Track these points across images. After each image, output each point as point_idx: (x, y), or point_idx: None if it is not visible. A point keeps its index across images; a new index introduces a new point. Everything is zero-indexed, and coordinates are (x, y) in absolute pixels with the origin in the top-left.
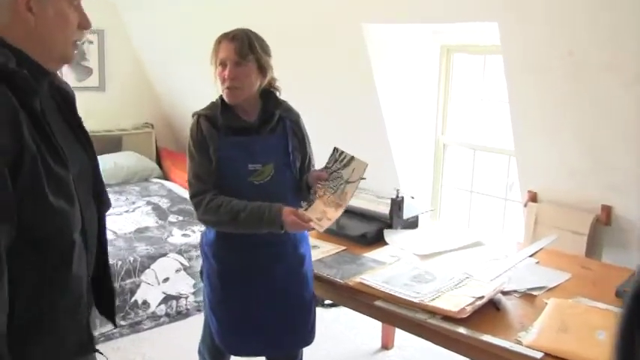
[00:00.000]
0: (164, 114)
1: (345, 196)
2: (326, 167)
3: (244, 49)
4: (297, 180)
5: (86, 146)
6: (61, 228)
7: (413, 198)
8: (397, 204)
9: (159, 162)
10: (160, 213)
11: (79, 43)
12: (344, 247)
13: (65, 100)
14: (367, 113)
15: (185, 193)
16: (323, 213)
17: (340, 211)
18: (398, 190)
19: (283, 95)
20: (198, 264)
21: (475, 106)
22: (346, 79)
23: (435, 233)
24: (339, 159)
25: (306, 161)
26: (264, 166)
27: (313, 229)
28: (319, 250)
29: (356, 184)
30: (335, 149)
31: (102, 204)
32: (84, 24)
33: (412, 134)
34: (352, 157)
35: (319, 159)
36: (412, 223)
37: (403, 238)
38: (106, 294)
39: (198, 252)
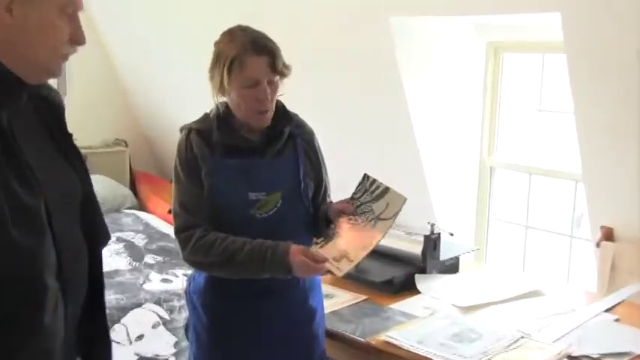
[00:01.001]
0: (141, 129)
1: (374, 235)
2: (352, 198)
3: (279, 64)
4: (310, 213)
5: (78, 168)
6: (27, 268)
7: (452, 235)
8: (432, 242)
9: (133, 188)
10: (134, 252)
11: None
12: (365, 297)
13: (53, 113)
14: (394, 128)
15: (166, 228)
16: (343, 253)
17: (365, 253)
18: (433, 225)
19: (293, 107)
20: (182, 317)
21: (531, 119)
22: (369, 87)
23: (481, 279)
24: (370, 189)
25: (321, 190)
26: (269, 196)
27: (328, 272)
28: (334, 301)
29: (390, 222)
30: (365, 177)
31: (95, 237)
32: (76, 38)
33: (451, 154)
34: (387, 189)
35: (335, 187)
36: (451, 267)
37: (440, 286)
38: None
39: (183, 302)
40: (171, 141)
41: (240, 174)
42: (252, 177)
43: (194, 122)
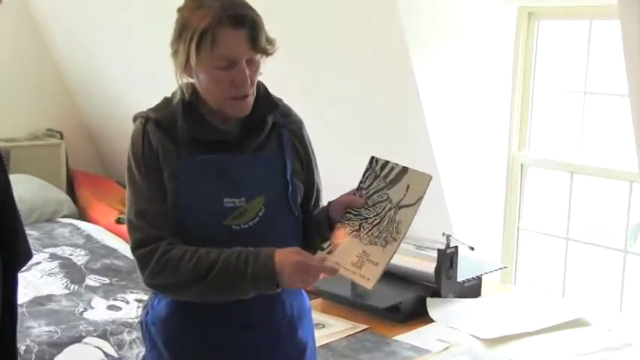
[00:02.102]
0: (81, 117)
1: (398, 227)
2: (359, 188)
3: (261, 39)
4: (299, 223)
5: None
6: None
7: (472, 249)
8: (448, 258)
9: (71, 192)
10: (73, 273)
11: None
12: (365, 326)
13: None
14: (400, 115)
15: (113, 241)
16: (362, 256)
17: (393, 251)
18: (449, 237)
19: (281, 93)
20: (134, 354)
21: (574, 104)
22: (369, 62)
23: (509, 305)
24: (382, 174)
25: (312, 194)
26: (249, 202)
27: (336, 272)
28: (327, 331)
29: (415, 207)
30: (373, 160)
31: (11, 257)
32: None
33: (471, 149)
34: (405, 169)
35: (329, 183)
36: (472, 289)
37: (457, 313)
38: None
39: (136, 335)
40: (120, 132)
41: (212, 174)
42: (228, 178)
43: (152, 110)
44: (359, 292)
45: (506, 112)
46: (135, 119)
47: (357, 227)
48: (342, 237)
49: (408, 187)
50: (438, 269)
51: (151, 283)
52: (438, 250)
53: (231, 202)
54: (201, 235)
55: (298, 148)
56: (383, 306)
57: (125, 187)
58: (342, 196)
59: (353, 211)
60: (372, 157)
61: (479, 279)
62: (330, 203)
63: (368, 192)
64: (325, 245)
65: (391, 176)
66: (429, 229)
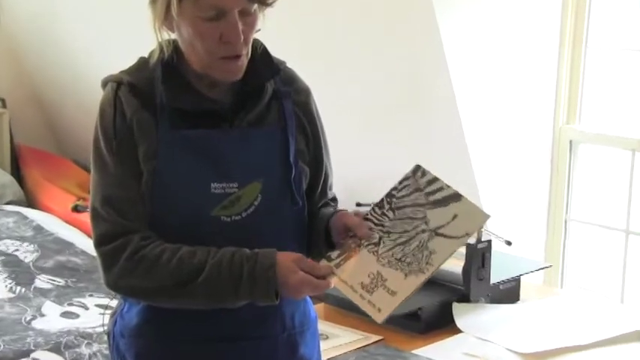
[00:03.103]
0: (30, 82)
1: (429, 257)
2: (390, 196)
3: None
4: (304, 216)
5: None
6: None
7: (509, 244)
8: (479, 255)
9: (17, 172)
10: (19, 273)
11: None
12: (379, 337)
13: None
14: (425, 81)
15: (69, 233)
16: (376, 278)
17: (417, 284)
18: (480, 229)
19: (284, 54)
20: None
21: (634, 67)
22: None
23: (554, 312)
24: (426, 189)
25: (319, 179)
26: (242, 188)
27: (335, 279)
28: (333, 343)
29: (456, 242)
30: (419, 170)
31: None
32: None
33: (508, 122)
34: (458, 196)
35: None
36: (508, 293)
37: (490, 321)
38: None
39: (97, 348)
40: (79, 101)
41: (198, 153)
42: (217, 158)
43: (125, 72)
44: None
45: (552, 78)
46: (104, 84)
47: (375, 240)
48: (356, 250)
49: (454, 217)
50: (466, 268)
51: (116, 286)
52: (467, 244)
53: (220, 188)
54: (182, 228)
55: (304, 123)
56: (399, 313)
57: (85, 169)
58: (345, 214)
59: (374, 218)
60: (418, 167)
61: (517, 280)
62: (331, 217)
63: (400, 203)
64: (334, 255)
65: (437, 196)
66: None
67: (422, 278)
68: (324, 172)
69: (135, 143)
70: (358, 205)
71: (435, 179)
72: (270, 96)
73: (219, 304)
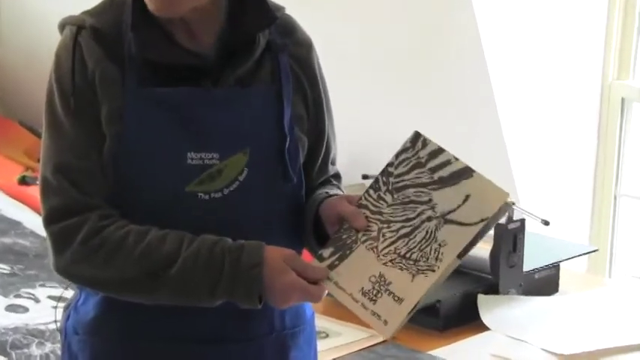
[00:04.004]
0: None
1: (439, 251)
2: (387, 173)
3: None
4: (301, 195)
5: None
6: None
7: (547, 224)
8: (510, 238)
9: None
10: None
11: None
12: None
13: None
14: (449, 33)
15: (15, 209)
16: (379, 282)
17: (427, 286)
18: (512, 206)
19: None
20: None
21: None
22: None
23: (600, 306)
24: (430, 164)
25: (320, 150)
26: (224, 160)
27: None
28: (331, 343)
29: (471, 230)
30: (419, 138)
31: None
32: None
33: (547, 76)
34: (467, 170)
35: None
36: (545, 283)
37: (523, 317)
38: None
39: (50, 348)
40: (30, 47)
41: (173, 116)
42: (195, 123)
43: (88, 13)
44: None
45: (601, 26)
46: (62, 27)
47: (374, 233)
48: (354, 246)
49: (467, 198)
50: (495, 253)
51: (68, 274)
52: (496, 225)
53: (198, 159)
54: (150, 206)
55: (303, 83)
56: (414, 311)
57: (34, 132)
58: (338, 199)
59: (370, 204)
60: (417, 134)
61: (556, 268)
62: (321, 203)
63: (399, 182)
64: (326, 253)
65: (443, 172)
66: None
67: (432, 279)
68: (325, 143)
69: (97, 101)
70: (365, 177)
71: (440, 150)
72: (262, 49)
73: (191, 302)
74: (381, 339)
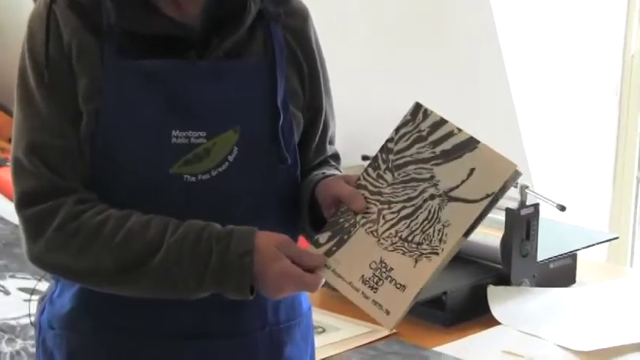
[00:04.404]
0: None
1: (443, 232)
2: (386, 150)
3: None
4: (296, 176)
5: None
6: None
7: (563, 209)
8: (522, 224)
9: None
10: None
11: None
12: (394, 331)
13: None
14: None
15: None
16: (380, 268)
17: (431, 270)
18: (525, 190)
19: None
20: None
21: None
22: None
23: (621, 299)
24: (432, 137)
25: (316, 129)
26: (212, 139)
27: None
28: (328, 339)
29: (476, 207)
30: (420, 109)
31: None
32: None
33: (561, 41)
34: (472, 141)
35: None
36: (561, 273)
37: (537, 311)
38: None
39: (21, 345)
40: None
41: (156, 91)
42: (181, 98)
43: None
44: None
45: (623, 0)
46: None
47: (374, 216)
48: (352, 230)
49: (471, 172)
50: (506, 241)
51: (42, 262)
52: (507, 209)
53: (183, 138)
54: (132, 189)
55: (298, 55)
56: (420, 299)
57: (5, 110)
58: (335, 180)
59: (369, 184)
60: (418, 105)
61: (572, 257)
62: (317, 185)
63: (399, 159)
64: (323, 239)
65: (445, 145)
66: None
67: (436, 263)
68: (322, 121)
69: (73, 74)
70: (365, 158)
71: (442, 121)
72: (253, 18)
73: (176, 294)
74: (382, 334)
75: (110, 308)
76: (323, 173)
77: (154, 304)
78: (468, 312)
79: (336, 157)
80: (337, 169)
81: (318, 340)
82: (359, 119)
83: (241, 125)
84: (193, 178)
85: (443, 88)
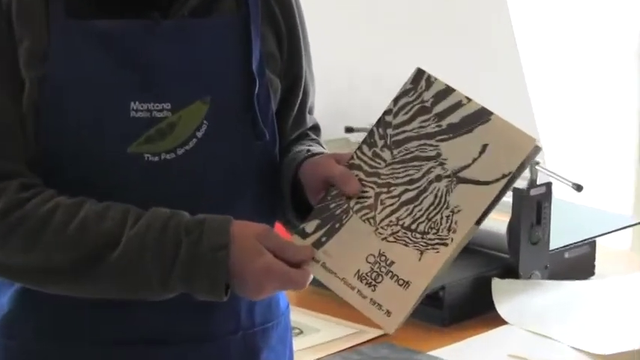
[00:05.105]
0: None
1: (451, 219)
2: (383, 123)
3: None
4: (274, 153)
5: None
6: None
7: (580, 189)
8: (532, 207)
9: None
10: None
11: None
12: (379, 333)
13: None
14: None
15: None
16: (378, 262)
17: (440, 263)
18: (535, 167)
19: None
20: None
21: None
22: None
23: None
24: (437, 108)
25: (295, 95)
26: (178, 111)
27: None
28: (308, 341)
29: (491, 189)
30: (423, 75)
31: None
32: None
33: (576, 25)
34: (483, 111)
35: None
36: (577, 264)
37: (549, 308)
38: None
39: None
40: None
41: (112, 57)
42: (141, 64)
43: None
44: None
45: None
46: None
47: (370, 201)
48: (344, 218)
49: (484, 149)
50: (513, 226)
51: None
52: (514, 190)
53: (144, 111)
54: (84, 171)
55: (275, 12)
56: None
57: None
58: (324, 158)
59: (364, 164)
60: (420, 72)
61: (591, 245)
62: (301, 164)
63: (399, 134)
64: (310, 228)
65: (453, 117)
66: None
67: (444, 255)
68: (302, 88)
69: (13, 37)
70: (349, 130)
71: (449, 90)
72: None
73: (137, 295)
74: (368, 336)
75: (56, 311)
76: (308, 151)
77: (108, 306)
78: (469, 309)
79: (316, 128)
80: (319, 144)
81: (295, 343)
82: (344, 86)
83: (212, 95)
84: (156, 158)
85: (446, 52)
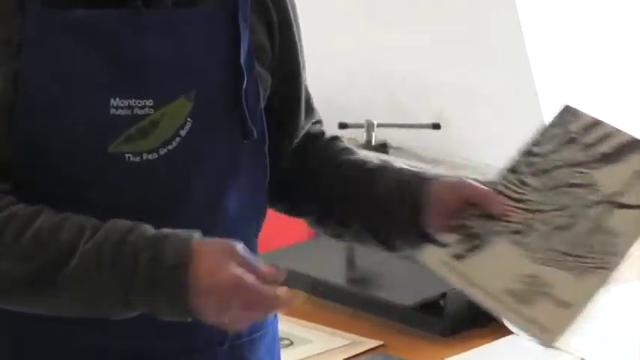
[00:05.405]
0: None
1: (611, 244)
2: (529, 153)
3: None
4: (264, 152)
5: None
6: None
7: None
8: None
9: None
10: None
11: None
12: (376, 343)
13: None
14: None
15: None
16: (533, 283)
17: (598, 284)
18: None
19: None
20: None
21: None
22: None
23: None
24: (585, 139)
25: (298, 84)
26: (160, 108)
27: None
28: (298, 352)
29: None
30: (569, 110)
31: None
32: None
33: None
34: (635, 141)
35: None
36: None
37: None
38: None
39: None
40: None
41: (91, 49)
42: (121, 58)
43: None
44: (361, 275)
45: None
46: None
47: (517, 225)
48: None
49: (636, 175)
50: None
51: None
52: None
53: (125, 108)
54: (61, 174)
55: (266, 2)
56: (409, 302)
57: None
58: (462, 183)
59: (509, 190)
60: (566, 108)
61: None
62: (423, 181)
63: (547, 163)
64: (449, 239)
65: (604, 147)
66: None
67: (604, 276)
68: (303, 80)
69: None
70: (343, 126)
71: (597, 122)
72: None
73: (99, 314)
74: (363, 348)
75: (21, 323)
76: (405, 169)
77: (77, 319)
78: (472, 318)
79: (320, 123)
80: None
81: (285, 355)
82: (338, 82)
83: (197, 90)
84: (137, 158)
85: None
